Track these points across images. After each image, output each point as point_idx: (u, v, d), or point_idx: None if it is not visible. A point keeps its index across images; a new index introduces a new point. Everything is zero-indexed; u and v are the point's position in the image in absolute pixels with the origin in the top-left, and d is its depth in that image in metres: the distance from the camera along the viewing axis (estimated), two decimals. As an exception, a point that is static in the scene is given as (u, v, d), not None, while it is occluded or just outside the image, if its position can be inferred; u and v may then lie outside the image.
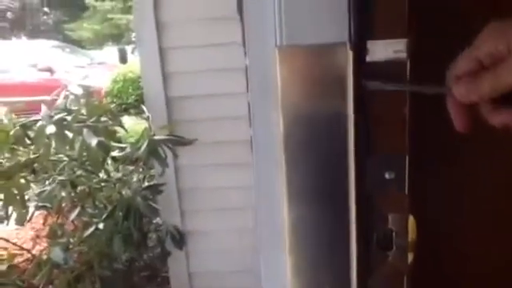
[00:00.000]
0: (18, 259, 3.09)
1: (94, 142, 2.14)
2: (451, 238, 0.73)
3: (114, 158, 2.84)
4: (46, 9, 18.85)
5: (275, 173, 0.63)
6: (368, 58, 0.59)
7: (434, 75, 0.73)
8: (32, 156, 2.57)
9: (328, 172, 0.61)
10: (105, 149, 2.24)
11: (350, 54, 0.57)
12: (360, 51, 0.58)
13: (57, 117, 2.19)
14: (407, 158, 0.62)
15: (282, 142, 0.60)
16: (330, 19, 0.57)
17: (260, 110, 0.62)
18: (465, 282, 0.77)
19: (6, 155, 2.50)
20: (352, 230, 0.63)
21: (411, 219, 0.65)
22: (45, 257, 2.58)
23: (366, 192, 0.63)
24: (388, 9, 0.57)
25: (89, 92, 2.40)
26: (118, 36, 14.92)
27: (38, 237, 3.88)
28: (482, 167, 0.72)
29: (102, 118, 2.39)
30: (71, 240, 2.65)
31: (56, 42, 11.83)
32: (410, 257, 0.67)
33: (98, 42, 15.52)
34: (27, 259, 3.08)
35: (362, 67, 0.59)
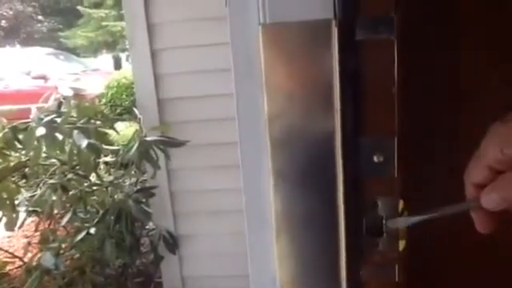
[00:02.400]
0: (10, 267, 3.04)
1: (84, 143, 2.11)
2: (445, 223, 0.71)
3: (105, 163, 2.82)
4: (40, 17, 18.83)
5: (260, 155, 0.61)
6: (355, 37, 0.57)
7: (424, 55, 0.71)
8: (23, 160, 2.54)
9: (314, 155, 0.59)
10: (95, 151, 2.21)
11: (336, 31, 0.55)
12: (346, 29, 0.56)
13: (47, 119, 2.17)
14: (396, 139, 0.60)
15: (267, 122, 0.58)
16: (314, -5, 0.55)
17: (244, 89, 0.60)
18: (460, 269, 0.74)
19: (-4, 159, 2.47)
20: (340, 215, 0.61)
21: (402, 204, 0.63)
22: (35, 263, 2.54)
23: (354, 176, 0.61)
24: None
25: (80, 94, 2.38)
26: (112, 43, 14.91)
27: (29, 244, 3.83)
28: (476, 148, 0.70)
29: (93, 121, 2.37)
30: (62, 245, 2.61)
31: (50, 50, 11.80)
32: (402, 244, 0.65)
33: (93, 49, 15.49)
34: (19, 267, 3.03)
35: (349, 46, 0.57)
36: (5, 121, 2.39)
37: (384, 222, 0.63)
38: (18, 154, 2.54)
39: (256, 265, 0.65)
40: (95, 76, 9.78)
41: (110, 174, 2.96)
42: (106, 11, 14.79)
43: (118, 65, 11.52)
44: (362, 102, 0.59)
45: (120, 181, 2.86)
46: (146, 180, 2.90)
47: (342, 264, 0.62)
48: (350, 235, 0.62)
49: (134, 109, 2.62)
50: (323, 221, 0.61)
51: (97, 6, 15.07)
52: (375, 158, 0.61)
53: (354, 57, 0.58)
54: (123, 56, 12.76)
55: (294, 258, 0.63)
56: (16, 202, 2.50)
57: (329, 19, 0.56)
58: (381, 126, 0.60)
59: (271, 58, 0.57)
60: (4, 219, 2.48)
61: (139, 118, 2.50)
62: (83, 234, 2.50)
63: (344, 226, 0.61)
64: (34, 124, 2.20)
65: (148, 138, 2.28)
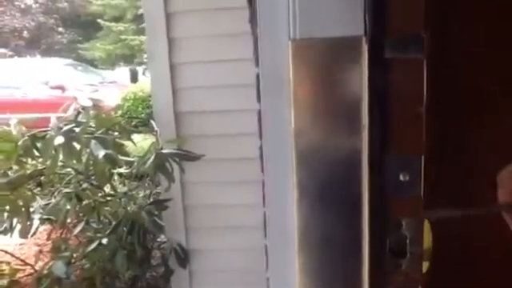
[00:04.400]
0: (21, 274, 3.05)
1: (101, 154, 2.13)
2: (470, 244, 0.70)
3: (120, 174, 2.83)
4: (60, 28, 19.21)
5: (285, 172, 0.60)
6: (384, 54, 0.57)
7: (452, 72, 0.71)
8: (39, 168, 2.56)
9: (340, 171, 0.59)
10: (112, 161, 2.23)
11: (366, 48, 0.56)
12: (376, 46, 0.56)
13: (65, 128, 2.19)
14: (423, 159, 0.59)
15: (293, 139, 0.58)
16: (345, 11, 0.55)
17: (270, 105, 0.60)
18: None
19: (14, 166, 2.50)
20: (364, 234, 0.60)
21: (426, 225, 0.62)
22: (46, 271, 2.54)
23: (379, 194, 0.60)
24: (406, 2, 0.56)
25: (98, 105, 2.41)
26: (130, 56, 15.13)
27: (41, 252, 3.84)
28: (499, 168, 0.69)
29: (111, 132, 2.39)
30: (74, 255, 2.62)
31: (69, 61, 11.99)
32: (425, 265, 0.64)
33: (111, 61, 15.74)
34: (30, 274, 3.04)
35: (379, 63, 0.57)
36: (24, 129, 2.43)
37: (408, 242, 0.62)
38: (34, 162, 2.57)
39: (276, 281, 0.64)
40: (112, 88, 9.88)
41: (124, 185, 2.98)
42: (126, 25, 15.05)
43: (134, 78, 11.64)
44: (389, 120, 0.59)
45: (134, 192, 2.87)
46: (159, 192, 2.90)
47: (365, 283, 0.61)
48: (373, 254, 0.61)
49: (152, 121, 2.64)
50: (346, 239, 0.61)
51: (116, 19, 15.35)
52: (401, 177, 0.60)
53: (382, 74, 0.58)
54: (140, 69, 12.92)
55: (316, 276, 0.62)
56: (31, 210, 2.52)
57: (359, 36, 0.56)
58: (408, 145, 0.59)
59: (300, 73, 0.57)
60: (18, 226, 2.49)
61: (156, 131, 2.52)
62: (95, 244, 2.50)
63: (367, 244, 0.60)
64: (52, 133, 2.22)
65: (164, 151, 2.29)
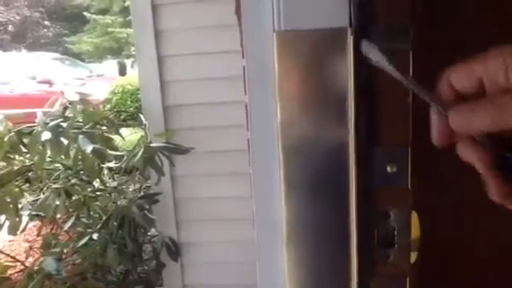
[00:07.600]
0: (11, 271, 3.03)
1: (89, 148, 2.11)
2: (457, 235, 0.70)
3: (109, 168, 2.82)
4: (46, 22, 18.93)
5: (272, 163, 0.60)
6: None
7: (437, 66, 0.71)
8: (27, 163, 2.54)
9: (327, 164, 0.59)
10: (100, 156, 2.21)
11: (351, 39, 0.55)
12: (361, 37, 0.56)
13: (52, 123, 2.17)
14: (410, 150, 0.59)
15: (280, 131, 0.58)
16: (330, 2, 0.55)
17: (257, 97, 0.60)
18: (472, 282, 0.73)
19: (1, 163, 2.47)
20: (352, 226, 0.60)
21: (414, 215, 0.62)
22: (37, 267, 2.53)
23: (366, 186, 0.60)
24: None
25: (85, 99, 2.38)
26: (117, 49, 14.98)
27: (31, 248, 3.81)
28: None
29: (99, 126, 2.38)
30: (65, 250, 2.60)
31: (56, 55, 11.85)
32: (413, 256, 0.64)
33: (98, 55, 15.56)
34: (20, 271, 3.02)
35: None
36: (10, 124, 2.39)
37: (396, 233, 0.62)
38: (21, 158, 2.54)
39: (265, 274, 0.64)
40: (100, 82, 9.79)
41: (113, 180, 2.96)
42: (112, 17, 14.90)
43: (122, 71, 11.56)
44: (376, 112, 0.59)
45: (124, 187, 2.85)
46: (149, 186, 2.89)
47: (353, 275, 0.61)
48: (361, 246, 0.61)
49: (140, 115, 2.62)
50: (334, 231, 0.61)
51: (103, 12, 15.18)
52: (388, 169, 0.60)
53: (368, 66, 0.57)
54: (128, 62, 12.81)
55: (304, 268, 0.62)
56: (19, 206, 2.50)
57: (344, 27, 0.55)
58: (395, 136, 0.59)
59: (285, 66, 0.56)
60: (7, 223, 2.47)
61: (145, 124, 2.50)
62: (86, 239, 2.49)
63: (355, 236, 0.60)
64: (39, 128, 2.20)
65: (153, 145, 2.28)
